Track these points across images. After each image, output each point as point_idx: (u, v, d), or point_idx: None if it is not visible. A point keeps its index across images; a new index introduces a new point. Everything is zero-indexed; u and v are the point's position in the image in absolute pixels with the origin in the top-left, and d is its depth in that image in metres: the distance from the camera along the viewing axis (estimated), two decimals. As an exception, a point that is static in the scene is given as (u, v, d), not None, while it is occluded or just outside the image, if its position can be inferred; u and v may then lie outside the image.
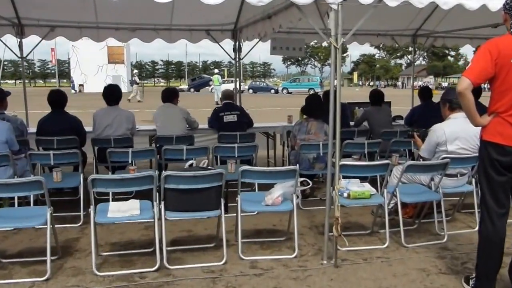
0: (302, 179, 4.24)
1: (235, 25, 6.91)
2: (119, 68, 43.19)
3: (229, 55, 7.23)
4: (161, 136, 5.80)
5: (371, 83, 78.76)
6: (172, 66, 74.68)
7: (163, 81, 74.30)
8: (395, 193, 4.01)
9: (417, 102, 6.85)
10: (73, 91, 40.43)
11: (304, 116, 5.44)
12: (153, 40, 6.80)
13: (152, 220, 3.58)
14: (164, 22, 6.56)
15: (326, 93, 6.59)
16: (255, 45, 7.14)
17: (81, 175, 4.77)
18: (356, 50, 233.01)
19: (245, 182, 3.85)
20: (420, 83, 71.80)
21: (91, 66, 41.60)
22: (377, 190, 4.27)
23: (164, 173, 3.51)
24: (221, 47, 7.10)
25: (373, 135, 6.46)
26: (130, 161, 5.05)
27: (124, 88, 41.14)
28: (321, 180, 5.92)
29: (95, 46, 40.53)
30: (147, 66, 75.61)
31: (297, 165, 5.11)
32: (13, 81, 69.52)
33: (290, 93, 42.28)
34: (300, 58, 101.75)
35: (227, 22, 6.82)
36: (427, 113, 6.13)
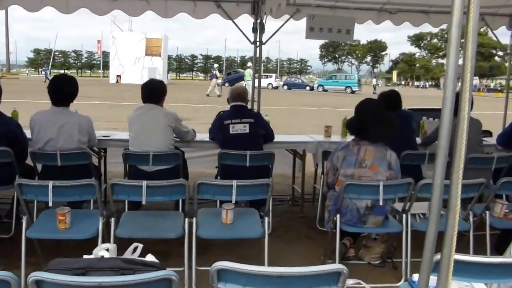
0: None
1: (256, -5, 4.85)
2: (156, 61, 43.50)
3: (246, 37, 5.14)
4: (132, 152, 3.85)
5: (417, 84, 74.94)
6: (211, 60, 76.17)
7: (201, 75, 76.39)
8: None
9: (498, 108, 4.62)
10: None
11: (352, 137, 3.34)
12: (142, 13, 4.88)
13: None
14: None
15: (386, 97, 4.50)
16: (283, 24, 5.09)
17: None
18: (394, 50, 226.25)
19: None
20: (464, 85, 68.10)
21: (129, 57, 42.26)
22: None
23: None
24: (236, 25, 5.06)
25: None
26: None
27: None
28: (373, 237, 3.78)
29: (134, 38, 42.21)
30: (186, 60, 77.22)
31: (337, 215, 3.08)
32: (62, 70, 73.82)
33: (326, 90, 40.38)
34: (337, 55, 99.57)
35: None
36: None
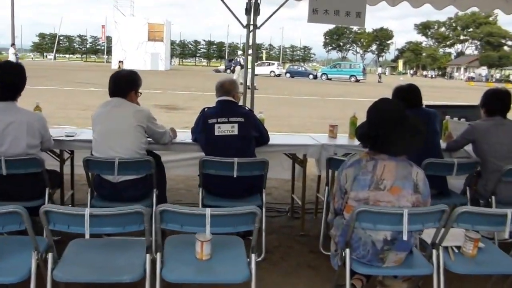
0: None
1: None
2: (158, 46, 43.06)
3: (238, 19, 4.31)
4: (93, 159, 3.12)
5: (425, 73, 73.71)
6: (214, 46, 75.63)
7: (204, 60, 76.51)
8: None
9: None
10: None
11: (366, 150, 2.56)
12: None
13: None
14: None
15: (403, 92, 3.74)
16: (282, 5, 4.30)
17: None
18: (401, 37, 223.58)
19: None
20: (471, 74, 67.39)
21: (132, 42, 41.85)
22: None
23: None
24: (225, 4, 4.27)
25: (485, 172, 3.58)
26: None
27: (162, 66, 41.40)
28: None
29: (136, 23, 41.67)
30: (189, 46, 76.92)
31: (347, 250, 2.35)
32: (67, 55, 74.48)
33: (330, 79, 39.47)
34: (341, 43, 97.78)
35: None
36: None
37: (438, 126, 3.90)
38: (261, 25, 4.28)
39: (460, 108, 5.16)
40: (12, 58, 21.98)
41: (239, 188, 3.35)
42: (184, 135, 3.79)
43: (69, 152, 3.78)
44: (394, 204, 2.34)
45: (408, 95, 3.72)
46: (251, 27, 4.26)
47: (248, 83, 4.49)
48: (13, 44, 24.79)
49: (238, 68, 25.64)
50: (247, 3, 4.25)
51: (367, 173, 2.36)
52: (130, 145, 3.11)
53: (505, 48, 77.16)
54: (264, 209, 3.29)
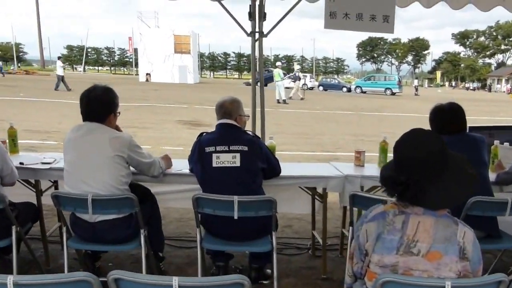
0: None
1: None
2: (185, 58, 42.61)
3: (241, 26, 3.77)
4: (62, 195, 2.63)
5: (467, 85, 71.23)
6: (244, 58, 75.68)
7: (236, 73, 76.65)
8: None
9: None
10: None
11: (393, 200, 1.91)
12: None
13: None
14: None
15: (443, 114, 3.11)
16: (293, 7, 3.73)
17: None
18: (438, 48, 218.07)
19: None
20: (514, 85, 64.57)
21: (158, 55, 41.34)
22: None
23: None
24: (225, 9, 3.73)
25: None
26: None
27: (190, 79, 41.44)
28: None
29: (162, 35, 41.69)
30: (219, 58, 77.07)
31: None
32: (96, 67, 76.01)
33: (364, 92, 38.36)
34: (375, 55, 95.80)
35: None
36: None
37: (486, 155, 3.22)
38: (269, 32, 3.71)
39: (509, 129, 4.41)
40: (60, 71, 22.38)
41: (244, 229, 2.81)
42: (182, 164, 3.26)
43: (52, 181, 3.33)
44: (433, 274, 1.71)
45: (449, 117, 3.09)
46: (257, 35, 3.69)
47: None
48: (60, 57, 25.33)
49: (297, 82, 25.20)
50: (250, 6, 3.70)
51: (394, 232, 1.75)
52: (106, 178, 2.61)
53: None
54: (275, 254, 2.79)
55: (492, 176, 3.28)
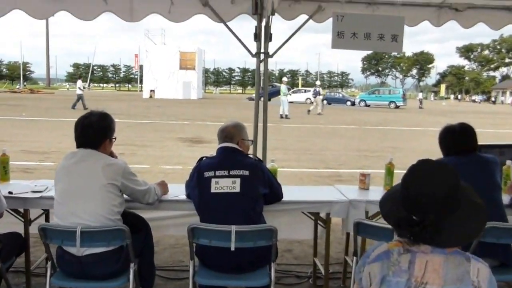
0: None
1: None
2: (190, 74, 43.02)
3: (246, 47, 3.65)
4: (50, 227, 2.47)
5: (474, 98, 71.32)
6: (249, 73, 76.29)
7: (239, 88, 77.06)
8: None
9: None
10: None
11: (396, 239, 1.71)
12: (98, 16, 3.54)
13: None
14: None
15: (453, 135, 2.97)
16: (300, 27, 3.62)
17: None
18: (442, 61, 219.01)
19: None
20: (517, 98, 64.55)
21: (163, 71, 41.80)
22: None
23: None
24: (230, 30, 3.62)
25: None
26: None
27: (194, 95, 41.67)
28: None
29: (167, 51, 42.18)
30: (224, 73, 77.77)
31: None
32: (101, 84, 76.81)
33: (368, 105, 38.29)
34: (380, 68, 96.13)
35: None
36: None
37: (499, 177, 3.05)
38: (274, 53, 3.61)
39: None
40: (79, 91, 22.49)
41: (241, 261, 2.64)
42: (179, 189, 3.10)
43: (43, 209, 3.17)
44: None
45: (460, 138, 2.94)
46: (262, 56, 3.58)
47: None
48: (80, 77, 25.42)
49: (318, 98, 25.39)
50: (256, 27, 3.61)
51: (400, 273, 1.57)
52: (98, 209, 2.46)
53: None
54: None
55: (505, 198, 3.11)
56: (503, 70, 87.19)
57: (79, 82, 23.36)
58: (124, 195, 2.66)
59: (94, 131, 2.58)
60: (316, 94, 26.02)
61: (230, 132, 2.88)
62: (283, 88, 21.43)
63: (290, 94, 21.73)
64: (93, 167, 2.51)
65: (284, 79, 24.27)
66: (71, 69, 78.47)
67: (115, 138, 2.73)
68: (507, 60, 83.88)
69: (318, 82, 31.86)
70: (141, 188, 2.69)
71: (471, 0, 3.70)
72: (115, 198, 2.53)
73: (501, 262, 2.81)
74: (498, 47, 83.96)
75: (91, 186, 2.47)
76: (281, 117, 19.98)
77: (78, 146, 2.60)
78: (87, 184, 2.48)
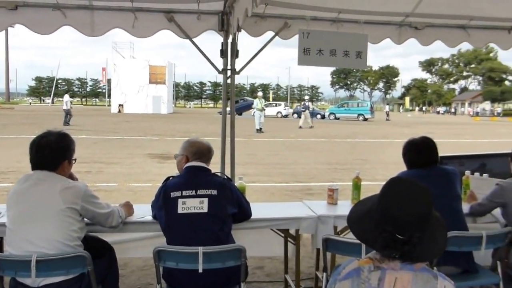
0: None
1: (225, 1, 3.40)
2: (160, 89, 42.68)
3: (213, 64, 3.62)
4: (2, 258, 2.33)
5: (438, 109, 74.35)
6: (220, 87, 76.72)
7: (210, 102, 77.12)
8: None
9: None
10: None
11: (367, 256, 1.72)
12: (56, 30, 3.45)
13: None
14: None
15: (417, 148, 3.04)
16: (266, 44, 3.63)
17: None
18: (406, 75, 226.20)
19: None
20: (477, 109, 67.24)
21: (132, 85, 41.26)
22: None
23: None
24: (196, 46, 3.62)
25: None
26: None
27: (164, 110, 41.26)
28: None
29: (137, 65, 41.72)
30: (194, 87, 77.77)
31: None
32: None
33: (338, 118, 38.91)
34: (349, 82, 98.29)
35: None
36: None
37: (459, 188, 3.14)
38: (241, 69, 3.60)
39: (478, 158, 4.38)
40: (66, 106, 21.93)
41: (210, 282, 2.57)
42: (145, 210, 3.02)
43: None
44: None
45: (422, 152, 3.02)
46: (229, 72, 3.57)
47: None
48: (67, 91, 24.68)
49: (306, 112, 26.13)
50: (222, 43, 3.59)
51: (372, 292, 1.56)
52: (54, 235, 2.33)
53: (506, 83, 78.44)
54: None
55: (465, 207, 3.22)
56: (462, 82, 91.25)
57: (66, 97, 22.94)
58: (86, 219, 2.56)
59: (52, 152, 2.45)
60: (306, 108, 26.82)
61: (200, 149, 2.83)
62: (259, 102, 21.46)
63: (265, 109, 21.80)
64: (49, 190, 2.38)
65: (260, 93, 24.57)
66: (33, 83, 76.19)
67: (75, 160, 2.60)
68: (465, 73, 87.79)
69: (306, 97, 32.49)
70: (104, 211, 2.58)
71: (429, 19, 3.82)
72: (74, 223, 2.40)
73: (464, 269, 2.90)
74: (457, 61, 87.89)
75: (47, 211, 2.34)
76: (257, 131, 20.06)
77: (33, 168, 2.46)
78: (43, 209, 2.34)
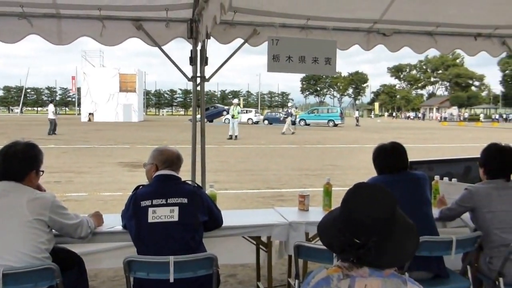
0: None
1: (194, 9, 3.41)
2: (131, 97, 42.31)
3: (182, 72, 3.63)
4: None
5: (408, 114, 76.40)
6: (190, 95, 76.40)
7: (181, 109, 76.97)
8: None
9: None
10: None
11: (336, 264, 1.75)
12: (22, 38, 3.38)
13: None
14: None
15: (386, 154, 3.09)
16: (235, 51, 3.66)
17: None
18: (375, 81, 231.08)
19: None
20: (445, 114, 69.45)
21: (102, 94, 40.87)
22: None
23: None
24: (165, 53, 3.62)
25: (488, 247, 2.91)
26: None
27: (135, 117, 40.80)
28: None
29: (107, 74, 41.23)
30: (165, 95, 77.43)
31: None
32: (35, 108, 73.78)
33: (308, 124, 39.32)
34: (319, 88, 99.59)
35: (178, 3, 3.35)
36: None
37: (429, 193, 3.21)
38: (211, 77, 3.60)
39: (445, 162, 4.51)
40: (51, 115, 21.35)
41: (181, 291, 2.54)
42: (115, 220, 2.97)
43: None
44: None
45: (392, 157, 3.06)
46: (198, 80, 3.56)
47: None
48: (52, 101, 23.95)
49: (289, 118, 26.76)
50: (191, 51, 3.59)
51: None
52: (21, 247, 2.26)
53: (473, 88, 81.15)
54: None
55: (435, 212, 3.26)
56: (430, 88, 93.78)
57: (51, 107, 22.33)
58: (54, 230, 2.50)
59: (19, 162, 2.39)
60: (288, 115, 27.47)
61: (170, 158, 2.81)
62: (235, 109, 21.35)
63: (238, 117, 21.72)
64: (16, 201, 2.32)
65: (235, 100, 24.57)
66: (1, 92, 74.49)
67: (43, 172, 2.54)
68: (432, 79, 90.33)
69: (290, 104, 32.91)
70: (72, 222, 2.53)
71: (397, 26, 3.92)
72: (41, 235, 2.34)
73: (435, 274, 2.92)
74: (424, 67, 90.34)
75: (13, 222, 2.28)
76: (230, 137, 19.98)
77: (1, 177, 2.40)
78: (9, 221, 2.28)
